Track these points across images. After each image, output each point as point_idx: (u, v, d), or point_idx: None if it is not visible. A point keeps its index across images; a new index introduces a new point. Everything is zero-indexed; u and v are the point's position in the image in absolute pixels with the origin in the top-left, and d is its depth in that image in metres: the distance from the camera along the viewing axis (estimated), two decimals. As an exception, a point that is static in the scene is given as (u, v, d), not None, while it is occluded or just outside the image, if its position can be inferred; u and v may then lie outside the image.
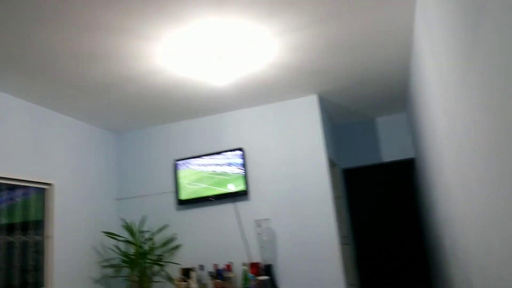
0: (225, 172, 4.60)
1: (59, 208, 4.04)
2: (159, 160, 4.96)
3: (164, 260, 4.58)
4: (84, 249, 4.31)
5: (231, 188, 4.54)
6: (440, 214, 3.69)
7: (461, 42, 1.86)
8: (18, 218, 3.69)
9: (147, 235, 4.69)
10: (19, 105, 3.77)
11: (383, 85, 4.61)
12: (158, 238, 4.70)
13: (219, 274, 4.25)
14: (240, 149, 4.60)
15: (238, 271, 4.32)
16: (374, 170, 7.51)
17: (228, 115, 4.84)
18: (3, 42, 2.85)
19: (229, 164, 4.60)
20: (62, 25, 2.73)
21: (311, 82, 4.24)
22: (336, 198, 4.97)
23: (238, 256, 4.44)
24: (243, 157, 4.58)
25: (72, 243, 4.15)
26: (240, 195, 4.53)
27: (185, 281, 4.27)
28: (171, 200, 4.81)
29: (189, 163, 4.73)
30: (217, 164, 4.64)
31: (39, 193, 3.93)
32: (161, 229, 4.73)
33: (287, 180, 4.49)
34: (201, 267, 4.42)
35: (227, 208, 4.61)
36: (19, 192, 3.74)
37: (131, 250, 4.53)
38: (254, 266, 4.24)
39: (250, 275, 4.12)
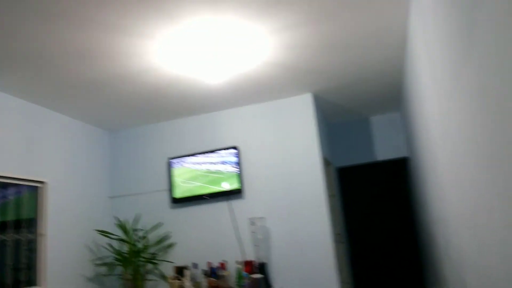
0: (220, 170, 4.59)
1: (52, 206, 4.02)
2: (153, 158, 4.95)
3: (158, 259, 4.57)
4: (77, 247, 4.29)
5: (226, 186, 4.54)
6: (434, 213, 3.70)
7: (456, 42, 1.87)
8: (11, 216, 3.67)
9: (140, 233, 4.68)
10: (12, 102, 3.74)
11: (377, 84, 4.62)
12: (152, 237, 4.69)
13: (213, 272, 4.25)
14: (234, 148, 4.59)
15: (232, 269, 4.32)
16: (368, 169, 7.53)
17: (223, 113, 4.83)
18: (-4, 39, 2.83)
19: (224, 163, 4.59)
20: (55, 23, 2.71)
21: (305, 81, 4.24)
22: (330, 196, 4.98)
23: (232, 254, 4.44)
24: (238, 155, 4.58)
25: (65, 241, 4.13)
26: (234, 194, 4.53)
27: (179, 279, 4.26)
28: (165, 198, 4.80)
29: (183, 161, 4.72)
30: (212, 163, 4.63)
31: (32, 191, 3.91)
32: (155, 228, 4.72)
33: (281, 178, 4.49)
34: (195, 266, 4.42)
35: (221, 206, 4.60)
36: (12, 190, 3.72)
37: (125, 248, 4.52)
38: (248, 264, 4.24)
39: (244, 273, 4.12)
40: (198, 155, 4.69)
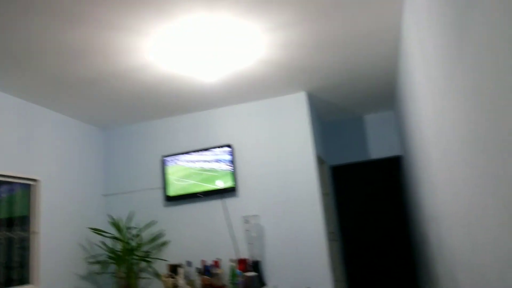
0: (214, 168, 4.58)
1: (45, 204, 4.00)
2: (147, 156, 4.93)
3: (152, 257, 4.57)
4: (71, 246, 4.27)
5: (220, 184, 4.53)
6: (427, 211, 3.72)
7: (449, 41, 1.87)
8: (3, 214, 3.65)
9: (134, 232, 4.66)
10: (5, 100, 3.71)
11: (371, 82, 4.63)
12: (146, 235, 4.68)
13: (207, 271, 4.24)
14: (228, 146, 4.59)
15: (226, 267, 4.33)
16: (362, 167, 7.55)
17: (217, 111, 4.82)
18: (-11, 36, 2.81)
19: (218, 161, 4.59)
20: (49, 19, 2.69)
21: (299, 79, 4.24)
22: (324, 195, 4.99)
23: (226, 253, 4.44)
24: (232, 153, 4.58)
25: (58, 239, 4.11)
26: (228, 192, 4.53)
27: (172, 277, 4.25)
28: (158, 196, 4.79)
29: (177, 159, 4.71)
30: (206, 161, 4.62)
31: (25, 189, 3.89)
32: (148, 226, 4.71)
33: (275, 176, 4.49)
34: (189, 264, 4.41)
35: (215, 204, 4.60)
36: (4, 188, 3.69)
37: (118, 246, 4.51)
38: (242, 262, 4.24)
39: (238, 271, 4.12)
40: (192, 153, 4.68)
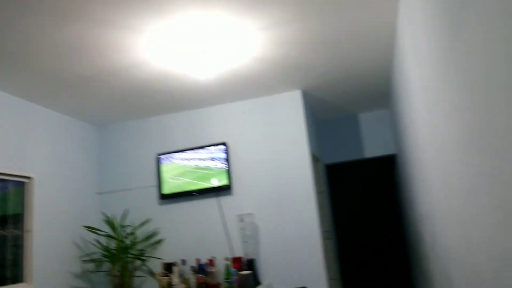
0: (208, 166, 4.58)
1: (38, 202, 3.98)
2: (142, 154, 4.91)
3: (146, 255, 4.55)
4: (64, 244, 4.25)
5: (214, 182, 4.53)
6: (421, 210, 3.73)
7: (443, 39, 1.87)
8: (-4, 212, 3.63)
9: (128, 230, 4.64)
10: (-2, 96, 3.69)
11: (366, 81, 4.64)
12: (140, 233, 4.66)
13: (202, 269, 4.24)
14: (223, 144, 4.58)
15: (221, 265, 4.32)
16: (357, 166, 7.57)
17: (212, 109, 4.81)
18: (-18, 32, 2.78)
19: (213, 159, 4.58)
20: (43, 17, 2.67)
21: (294, 77, 4.24)
22: (319, 193, 5.00)
23: (221, 251, 4.44)
24: (227, 151, 4.57)
25: (52, 237, 4.09)
26: (223, 190, 4.52)
27: (167, 276, 4.25)
28: (153, 194, 4.78)
29: (172, 158, 4.70)
30: (200, 159, 4.61)
31: (18, 187, 3.86)
32: (143, 224, 4.69)
33: (270, 175, 4.49)
34: (183, 262, 4.41)
35: (210, 202, 4.59)
36: (-3, 186, 3.67)
37: (113, 244, 4.49)
38: (236, 260, 4.24)
39: (233, 269, 4.12)
40: (187, 151, 4.67)
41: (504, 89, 1.23)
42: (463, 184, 1.94)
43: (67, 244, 4.29)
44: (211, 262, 4.30)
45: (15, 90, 3.74)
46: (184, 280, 4.25)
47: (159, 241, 4.63)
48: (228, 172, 4.52)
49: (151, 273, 4.54)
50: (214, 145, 4.60)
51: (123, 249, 4.33)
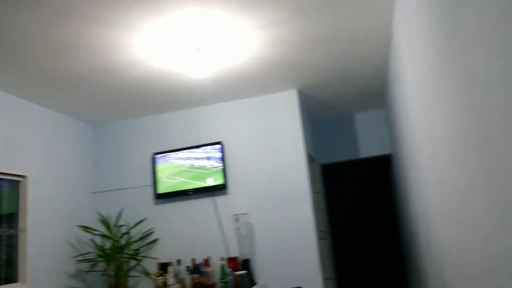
0: (204, 166, 4.57)
1: (33, 201, 3.95)
2: (137, 153, 4.90)
3: (141, 255, 4.53)
4: (59, 243, 4.23)
5: (210, 182, 4.52)
6: (416, 210, 3.74)
7: (439, 39, 1.87)
8: (-10, 212, 3.60)
9: (123, 229, 4.62)
10: (-8, 95, 3.67)
11: (362, 81, 4.64)
12: (135, 232, 4.64)
13: (197, 269, 4.23)
14: (219, 143, 4.57)
15: (216, 265, 4.31)
16: (352, 166, 7.58)
17: (207, 108, 4.80)
18: (-24, 30, 2.76)
19: (208, 158, 4.57)
20: (38, 14, 2.65)
21: (290, 77, 4.24)
22: (315, 193, 5.00)
23: (216, 251, 4.43)
24: (222, 151, 4.56)
25: (47, 237, 4.07)
26: (218, 189, 4.51)
27: (162, 275, 4.23)
28: (148, 194, 4.76)
29: (168, 157, 4.69)
30: (196, 158, 4.60)
31: (12, 186, 3.84)
32: (138, 223, 4.67)
33: (266, 174, 4.49)
34: (179, 262, 4.39)
35: (205, 202, 4.58)
36: (-9, 185, 3.65)
37: (108, 244, 4.47)
38: (232, 260, 4.23)
39: (228, 269, 4.11)
40: (182, 150, 4.66)
41: (500, 88, 1.23)
42: (459, 184, 1.94)
43: (62, 244, 4.27)
44: (206, 262, 4.29)
45: (9, 88, 3.72)
46: (179, 280, 4.24)
47: (154, 241, 4.61)
48: (224, 172, 4.51)
49: (146, 273, 4.53)
50: (209, 144, 4.60)
51: (118, 248, 4.31)
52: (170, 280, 4.18)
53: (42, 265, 3.95)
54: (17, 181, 3.88)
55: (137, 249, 4.52)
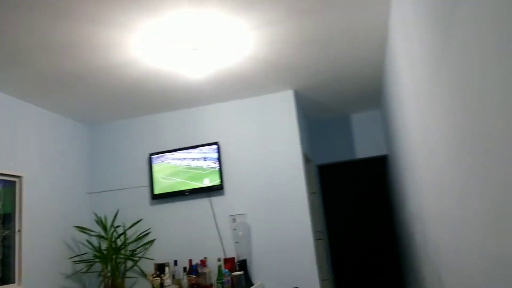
0: (201, 166, 4.56)
1: (29, 201, 3.94)
2: (133, 153, 4.88)
3: (138, 255, 4.53)
4: (55, 244, 4.22)
5: (206, 182, 4.51)
6: (412, 211, 3.75)
7: (435, 40, 1.88)
8: (-14, 212, 3.58)
9: (120, 230, 4.61)
10: (-12, 95, 3.65)
11: (358, 81, 4.65)
12: (132, 233, 4.63)
13: (194, 270, 4.22)
14: (215, 144, 4.57)
15: (213, 266, 4.30)
16: (349, 167, 7.59)
17: (204, 108, 4.80)
18: (-29, 31, 2.75)
19: (205, 159, 4.57)
20: (34, 13, 2.64)
21: (286, 77, 4.24)
22: (311, 193, 5.00)
23: (213, 251, 4.42)
24: (218, 151, 4.56)
25: (43, 237, 4.05)
26: (215, 190, 4.51)
27: (159, 276, 4.22)
28: (145, 194, 4.75)
29: (164, 157, 4.68)
30: (192, 159, 4.60)
31: (8, 186, 3.82)
32: (134, 224, 4.66)
33: (262, 175, 4.49)
34: (175, 263, 4.39)
35: (202, 203, 4.58)
36: (-13, 186, 3.63)
37: (104, 245, 4.46)
38: (229, 261, 4.23)
39: (225, 270, 4.10)
40: (179, 151, 4.66)
41: (497, 90, 1.23)
42: (455, 186, 1.95)
43: (58, 245, 4.25)
44: (203, 263, 4.28)
45: (5, 88, 3.70)
46: (176, 281, 4.23)
47: (151, 242, 4.60)
48: (220, 172, 4.51)
49: (143, 274, 4.52)
50: (206, 145, 4.59)
51: (115, 249, 4.30)
52: (167, 281, 4.17)
53: (38, 266, 3.94)
54: (13, 182, 3.86)
55: (134, 250, 4.51)
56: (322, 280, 4.54)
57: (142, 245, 4.56)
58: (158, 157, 4.69)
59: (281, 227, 4.33)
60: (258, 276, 4.29)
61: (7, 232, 3.73)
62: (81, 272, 4.47)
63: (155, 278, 4.18)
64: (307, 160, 4.97)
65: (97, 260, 4.31)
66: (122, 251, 4.36)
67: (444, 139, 2.03)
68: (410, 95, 2.88)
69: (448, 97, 1.83)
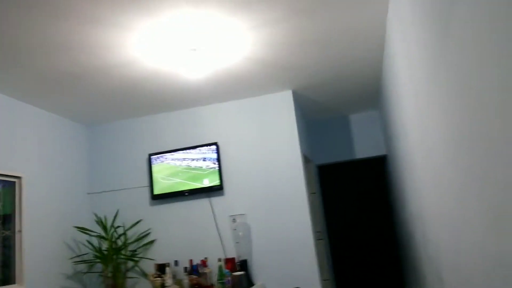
0: (200, 166, 4.57)
1: (29, 202, 3.94)
2: (133, 154, 4.89)
3: (138, 256, 4.53)
4: (56, 245, 4.22)
5: (206, 183, 4.52)
6: (412, 211, 3.75)
7: (433, 40, 1.88)
8: (-14, 214, 3.59)
9: (120, 230, 4.62)
10: (-12, 97, 3.65)
11: (356, 82, 4.65)
12: (132, 233, 4.63)
13: (194, 270, 4.23)
14: (215, 144, 4.58)
15: (214, 266, 4.30)
16: (348, 167, 7.58)
17: (203, 109, 4.80)
18: (-29, 32, 2.75)
19: (204, 159, 4.57)
20: (32, 13, 2.64)
21: (285, 78, 4.24)
22: (311, 193, 5.01)
23: (214, 252, 4.43)
24: (218, 151, 4.56)
25: (43, 238, 4.06)
26: (215, 190, 4.52)
27: (160, 276, 4.23)
28: (145, 194, 4.76)
29: (163, 158, 4.68)
30: (192, 159, 4.60)
31: (7, 187, 3.82)
32: (134, 224, 4.66)
33: (262, 175, 4.49)
34: (176, 263, 4.39)
35: (202, 203, 4.58)
36: (-13, 187, 3.63)
37: (104, 245, 4.46)
38: (229, 261, 4.23)
39: (226, 270, 4.11)
40: (178, 151, 4.66)
41: (494, 90, 1.24)
42: (453, 186, 1.95)
43: (59, 245, 4.26)
44: (203, 263, 4.29)
45: (3, 89, 3.71)
46: (177, 281, 4.24)
47: (151, 242, 4.61)
48: (220, 172, 4.52)
49: (144, 274, 4.52)
50: (205, 145, 4.60)
51: (115, 250, 4.31)
52: (168, 281, 4.17)
53: (39, 266, 3.94)
54: (12, 182, 3.87)
55: (134, 250, 4.51)
56: (323, 280, 4.55)
57: (142, 246, 4.57)
58: (157, 158, 4.70)
59: (281, 227, 4.34)
60: (258, 276, 4.30)
61: (8, 232, 3.73)
62: (82, 273, 4.47)
63: (156, 279, 4.19)
64: (306, 160, 4.98)
65: (98, 260, 4.32)
66: (123, 252, 4.36)
67: (442, 139, 2.03)
68: (409, 95, 2.88)
69: (446, 97, 1.84)
